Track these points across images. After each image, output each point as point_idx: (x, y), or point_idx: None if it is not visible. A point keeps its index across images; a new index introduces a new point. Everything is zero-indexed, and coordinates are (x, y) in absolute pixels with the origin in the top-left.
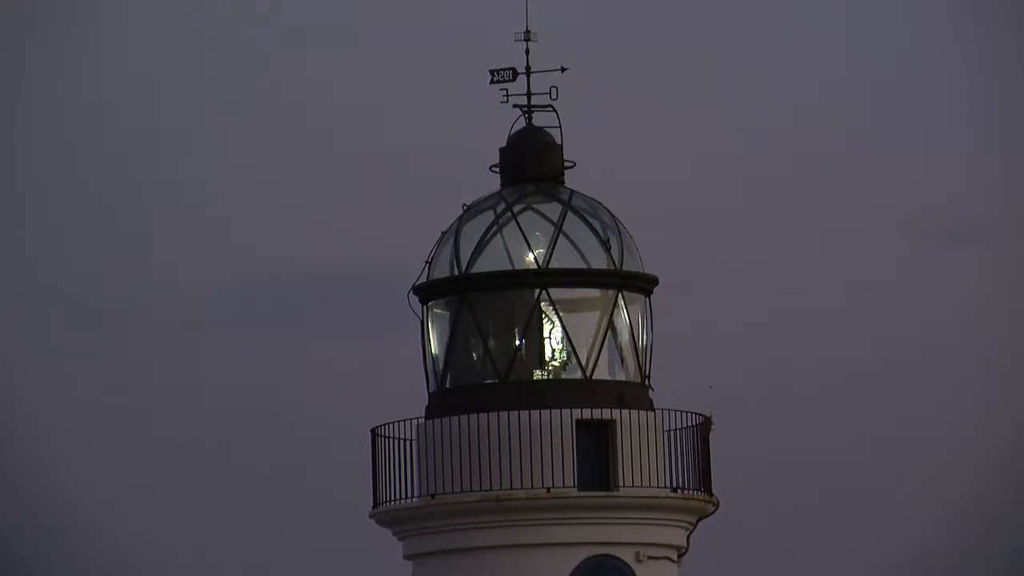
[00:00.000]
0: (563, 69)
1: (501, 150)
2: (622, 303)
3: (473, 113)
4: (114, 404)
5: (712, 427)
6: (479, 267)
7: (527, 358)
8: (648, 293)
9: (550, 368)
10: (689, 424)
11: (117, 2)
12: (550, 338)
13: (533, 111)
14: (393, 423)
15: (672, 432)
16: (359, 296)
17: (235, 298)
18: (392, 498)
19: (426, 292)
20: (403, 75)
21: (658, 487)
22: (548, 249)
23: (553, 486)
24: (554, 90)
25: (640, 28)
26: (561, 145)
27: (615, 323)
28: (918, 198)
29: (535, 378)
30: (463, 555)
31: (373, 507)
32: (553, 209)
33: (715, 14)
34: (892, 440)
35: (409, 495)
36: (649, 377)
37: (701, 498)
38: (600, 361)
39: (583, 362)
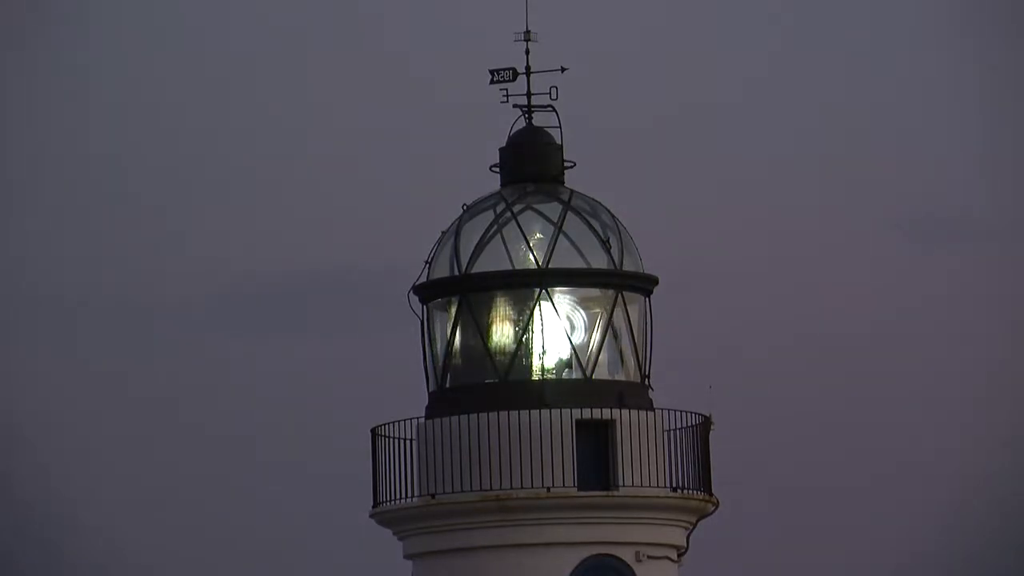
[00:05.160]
0: (563, 69)
1: (501, 150)
2: (622, 303)
3: (473, 113)
4: (113, 404)
5: (712, 427)
6: (479, 267)
7: (527, 358)
8: (648, 293)
9: (550, 368)
10: (689, 424)
11: (111, 2)
12: (550, 338)
13: (533, 111)
14: (393, 423)
15: (672, 432)
16: (359, 296)
17: (234, 298)
18: (392, 498)
19: (426, 292)
20: (403, 75)
21: (658, 487)
22: (548, 249)
23: (553, 486)
24: (554, 90)
25: (640, 28)
26: (561, 145)
27: (615, 323)
28: (919, 198)
29: (535, 378)
30: (463, 555)
31: (373, 507)
32: (553, 209)
33: (715, 14)
34: (893, 439)
35: (409, 495)
36: (649, 377)
37: (701, 498)
38: (600, 361)
39: (583, 362)
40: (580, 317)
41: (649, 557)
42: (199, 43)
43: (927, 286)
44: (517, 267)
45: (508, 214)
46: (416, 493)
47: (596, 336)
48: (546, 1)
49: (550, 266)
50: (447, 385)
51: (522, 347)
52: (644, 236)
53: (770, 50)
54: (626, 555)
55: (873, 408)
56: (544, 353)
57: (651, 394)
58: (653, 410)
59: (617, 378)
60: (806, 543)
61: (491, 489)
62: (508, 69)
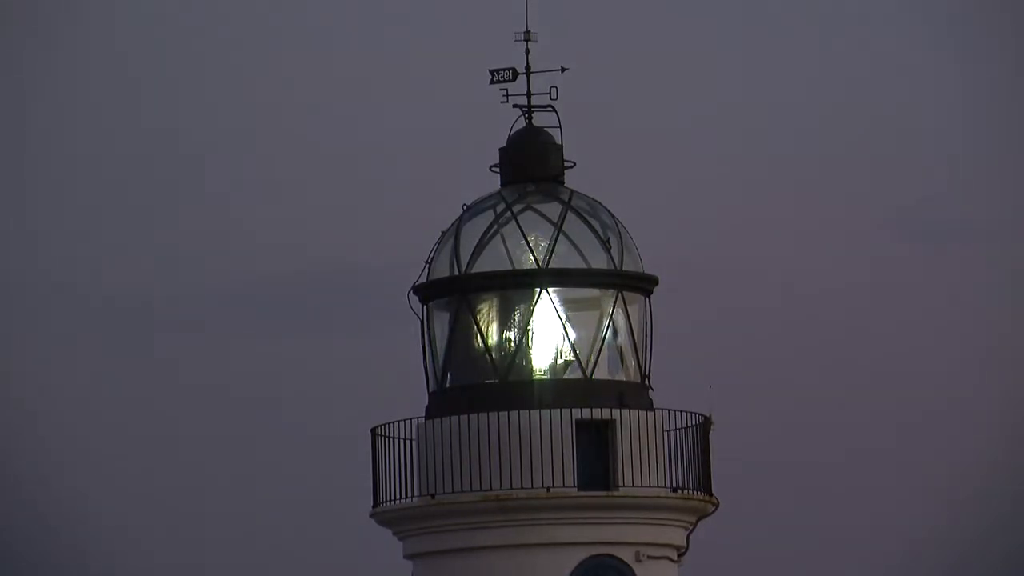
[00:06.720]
0: (563, 69)
1: (501, 150)
2: (622, 303)
3: (473, 113)
4: (113, 404)
5: (712, 427)
6: (479, 267)
7: (527, 358)
8: (648, 293)
9: (550, 368)
10: (689, 424)
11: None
12: (550, 338)
13: (533, 111)
14: (393, 423)
15: (672, 432)
16: (359, 296)
17: (235, 298)
18: (392, 498)
19: (426, 292)
20: (403, 75)
21: (658, 487)
22: (548, 249)
23: (553, 486)
24: (554, 90)
25: (640, 28)
26: (561, 145)
27: (615, 323)
28: (919, 198)
29: (535, 378)
30: (463, 555)
31: (373, 507)
32: (553, 209)
33: (714, 14)
34: (892, 439)
35: (409, 495)
36: (649, 377)
37: (701, 498)
38: (600, 361)
39: (583, 362)
40: (580, 317)
41: (649, 557)
42: (199, 44)
43: (928, 286)
44: (517, 267)
45: (508, 214)
46: (416, 493)
47: (596, 336)
48: (546, 1)
49: (550, 266)
50: (447, 385)
51: (522, 347)
52: (644, 236)
53: (770, 50)
54: (626, 555)
55: (873, 408)
56: (544, 353)
57: (651, 394)
58: (653, 410)
59: (617, 378)
60: (806, 542)
61: (491, 489)
62: (508, 69)
